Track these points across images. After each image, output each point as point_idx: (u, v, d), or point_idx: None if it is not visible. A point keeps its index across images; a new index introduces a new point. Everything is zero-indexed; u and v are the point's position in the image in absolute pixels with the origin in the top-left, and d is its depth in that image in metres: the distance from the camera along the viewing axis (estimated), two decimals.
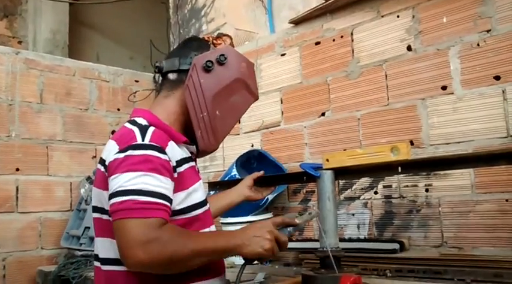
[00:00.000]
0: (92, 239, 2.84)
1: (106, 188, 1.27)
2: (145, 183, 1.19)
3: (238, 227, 2.42)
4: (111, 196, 1.20)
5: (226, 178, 2.70)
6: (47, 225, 3.13)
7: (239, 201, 1.90)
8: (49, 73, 3.28)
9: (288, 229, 1.38)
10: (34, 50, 4.50)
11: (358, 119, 2.47)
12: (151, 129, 1.30)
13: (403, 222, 2.25)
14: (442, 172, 2.13)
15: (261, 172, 1.97)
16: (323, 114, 2.63)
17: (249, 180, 1.93)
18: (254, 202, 2.04)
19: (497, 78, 2.02)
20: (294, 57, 2.80)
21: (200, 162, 3.21)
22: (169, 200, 1.23)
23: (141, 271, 1.20)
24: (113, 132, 3.52)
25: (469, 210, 2.05)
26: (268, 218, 2.56)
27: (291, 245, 2.50)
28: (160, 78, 1.51)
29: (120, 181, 1.20)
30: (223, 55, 1.45)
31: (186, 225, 1.32)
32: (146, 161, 1.21)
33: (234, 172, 2.64)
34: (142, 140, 1.26)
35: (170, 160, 1.28)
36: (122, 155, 1.23)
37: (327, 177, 1.77)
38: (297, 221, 1.40)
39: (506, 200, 1.96)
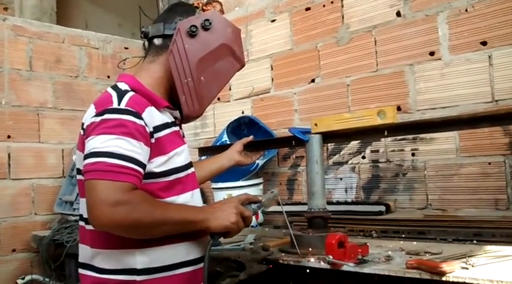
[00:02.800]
0: None
1: (84, 150, 1.31)
2: (117, 145, 1.21)
3: (229, 192, 2.52)
4: (85, 157, 1.24)
5: (217, 144, 2.74)
6: (39, 191, 3.16)
7: (229, 165, 1.94)
8: (38, 40, 3.24)
9: (253, 206, 1.45)
10: (21, 16, 4.42)
11: (348, 85, 2.49)
12: (129, 94, 1.31)
13: (389, 185, 2.31)
14: (428, 137, 2.18)
15: (250, 137, 2.01)
16: (313, 81, 2.65)
17: (238, 145, 1.97)
18: (244, 166, 2.07)
19: (483, 43, 2.04)
20: (284, 23, 2.79)
21: (191, 128, 3.26)
22: (142, 165, 1.25)
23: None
24: None
25: (453, 173, 2.11)
26: (259, 183, 2.63)
27: (280, 208, 2.57)
28: (147, 43, 1.52)
29: (94, 143, 1.23)
30: (208, 20, 1.44)
31: (168, 187, 1.35)
32: (121, 125, 1.24)
33: (225, 138, 2.67)
34: (119, 105, 1.27)
35: (146, 126, 1.29)
36: (98, 118, 1.26)
37: (315, 140, 1.81)
38: (260, 198, 1.48)
39: (489, 163, 2.01)
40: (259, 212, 2.60)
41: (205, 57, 1.44)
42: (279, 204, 1.55)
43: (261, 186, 2.68)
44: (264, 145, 2.14)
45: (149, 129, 1.30)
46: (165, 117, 1.40)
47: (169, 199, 1.34)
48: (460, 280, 1.23)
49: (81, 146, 1.33)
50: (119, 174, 1.19)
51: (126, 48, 3.69)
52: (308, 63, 2.67)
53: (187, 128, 3.30)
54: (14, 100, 3.10)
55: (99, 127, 1.24)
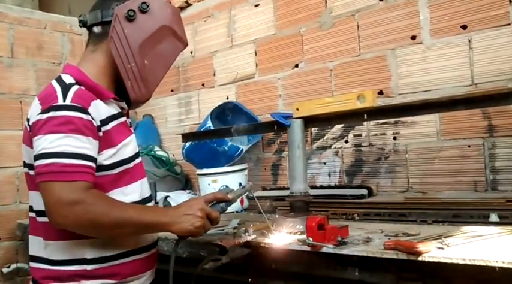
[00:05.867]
0: None
1: (30, 144, 1.30)
2: (67, 144, 1.21)
3: (214, 177, 2.53)
4: (36, 157, 1.24)
5: (201, 130, 2.74)
6: (24, 180, 3.11)
7: None
8: (19, 26, 3.20)
9: (221, 204, 1.44)
10: (1, 2, 4.35)
11: (331, 70, 2.50)
12: (73, 89, 1.30)
13: (371, 169, 2.33)
14: (409, 121, 2.20)
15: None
16: (296, 66, 2.65)
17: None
18: None
19: (464, 27, 2.06)
20: (267, 8, 2.78)
21: (176, 115, 3.25)
22: (93, 159, 1.26)
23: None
24: None
25: (434, 156, 2.14)
26: (243, 168, 2.64)
27: (264, 193, 2.59)
28: (87, 32, 1.48)
29: (42, 143, 1.22)
30: (145, 3, 1.41)
31: (116, 180, 1.36)
32: (68, 122, 1.23)
33: (209, 124, 2.67)
34: (64, 101, 1.26)
35: (93, 120, 1.29)
36: (44, 116, 1.25)
37: (297, 125, 1.82)
38: (229, 196, 1.46)
39: (469, 146, 2.04)
40: (244, 197, 2.62)
41: (146, 41, 1.42)
42: (251, 198, 1.53)
43: (245, 171, 2.69)
44: (247, 130, 2.15)
45: (96, 123, 1.30)
46: (112, 109, 1.39)
47: (118, 190, 1.35)
48: (435, 260, 1.25)
49: (28, 141, 1.32)
50: (73, 174, 1.20)
51: None
52: (292, 48, 2.67)
53: (172, 114, 3.29)
54: None
55: (46, 125, 1.23)
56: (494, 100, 1.53)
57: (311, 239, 1.46)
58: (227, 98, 2.98)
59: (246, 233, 1.62)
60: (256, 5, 2.83)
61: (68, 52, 3.42)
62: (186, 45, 1.55)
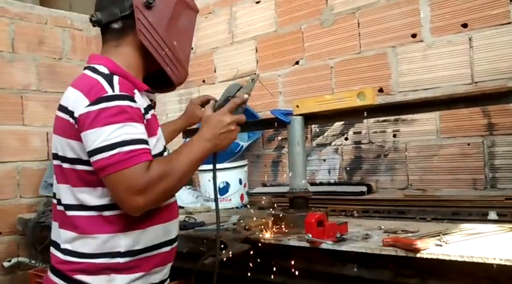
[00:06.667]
0: None
1: (72, 137, 1.29)
2: (126, 133, 1.22)
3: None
4: (95, 151, 1.22)
5: None
6: (24, 174, 3.15)
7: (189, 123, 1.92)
8: (20, 21, 3.20)
9: (242, 106, 1.46)
10: None
11: (331, 67, 2.51)
12: (116, 78, 1.30)
13: (371, 166, 2.34)
14: (409, 118, 2.20)
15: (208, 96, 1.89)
16: (297, 63, 2.66)
17: (197, 100, 1.90)
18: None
19: (464, 25, 2.06)
20: (268, 5, 2.78)
21: (177, 110, 3.26)
22: (148, 143, 1.29)
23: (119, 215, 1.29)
24: None
25: (433, 154, 2.15)
26: (244, 165, 2.64)
27: (264, 190, 2.60)
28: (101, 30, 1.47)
29: (101, 135, 1.21)
30: None
31: None
32: (122, 112, 1.23)
33: None
34: (113, 91, 1.26)
35: (140, 108, 1.30)
36: (94, 108, 1.23)
37: (297, 122, 1.83)
38: (246, 96, 1.46)
39: (468, 144, 2.05)
40: (244, 192, 2.63)
41: (169, 22, 1.42)
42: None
43: (245, 168, 2.70)
44: (247, 126, 2.15)
45: (142, 111, 1.31)
46: (144, 100, 1.39)
47: None
48: (434, 257, 1.26)
49: (67, 133, 1.30)
50: (136, 157, 1.22)
51: None
52: (292, 45, 2.67)
53: (172, 110, 3.30)
54: None
55: (100, 117, 1.22)
56: (494, 99, 1.54)
57: (310, 236, 1.48)
58: None
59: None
60: (257, 2, 2.84)
61: (69, 47, 3.42)
62: (198, 11, 1.56)
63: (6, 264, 3.02)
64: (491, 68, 1.99)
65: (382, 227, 1.68)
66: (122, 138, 1.21)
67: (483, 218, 1.70)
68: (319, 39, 2.55)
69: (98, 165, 1.23)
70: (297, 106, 1.83)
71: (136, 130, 1.24)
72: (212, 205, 2.62)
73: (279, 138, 2.73)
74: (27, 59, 3.22)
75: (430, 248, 1.29)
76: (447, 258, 1.23)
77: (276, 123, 1.93)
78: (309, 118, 1.86)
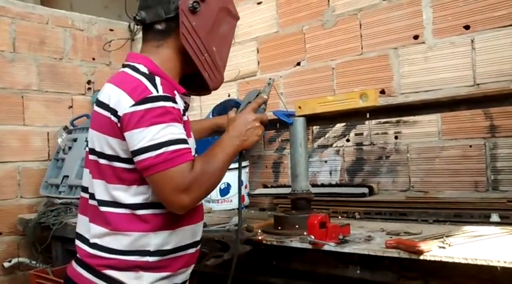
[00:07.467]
0: (71, 187, 2.88)
1: (112, 134, 1.30)
2: (171, 133, 1.25)
3: None
4: (141, 150, 1.24)
5: None
6: (25, 175, 3.15)
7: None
8: (21, 21, 3.20)
9: (262, 106, 1.55)
10: None
11: (333, 69, 2.50)
12: (158, 79, 1.32)
13: (373, 168, 2.34)
14: (411, 120, 2.20)
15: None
16: (298, 64, 2.66)
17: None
18: None
19: (466, 27, 2.06)
20: (270, 6, 2.78)
21: None
22: (188, 143, 1.32)
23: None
24: (88, 82, 3.49)
25: (435, 156, 2.14)
26: (245, 166, 2.64)
27: (266, 191, 2.60)
28: (142, 28, 1.47)
29: (147, 135, 1.24)
30: None
31: None
32: (167, 112, 1.26)
33: None
34: (157, 91, 1.28)
35: (180, 109, 1.33)
36: (140, 108, 1.25)
37: (299, 123, 1.83)
38: (266, 96, 1.57)
39: (470, 146, 2.05)
40: (245, 194, 2.63)
41: (211, 28, 1.44)
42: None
43: (246, 169, 2.70)
44: None
45: (181, 112, 1.35)
46: (182, 103, 1.41)
47: None
48: (437, 259, 1.26)
49: (106, 130, 1.31)
50: (181, 157, 1.25)
51: (111, 30, 3.65)
52: (294, 46, 2.67)
53: None
54: None
55: (146, 117, 1.24)
56: (496, 101, 1.54)
57: (313, 237, 1.48)
58: (228, 95, 2.98)
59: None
60: (259, 3, 2.83)
61: (70, 47, 3.42)
62: (238, 18, 1.57)
63: (6, 264, 3.01)
64: (494, 69, 1.98)
65: (384, 229, 1.68)
66: (168, 137, 1.24)
67: (485, 221, 1.70)
68: (321, 40, 2.55)
69: (144, 164, 1.25)
70: (299, 108, 1.83)
71: (179, 131, 1.28)
72: (213, 205, 2.62)
73: (280, 139, 2.73)
74: (28, 58, 3.21)
75: (433, 251, 1.29)
76: (451, 260, 1.23)
77: (278, 124, 1.93)
78: (311, 120, 1.86)
